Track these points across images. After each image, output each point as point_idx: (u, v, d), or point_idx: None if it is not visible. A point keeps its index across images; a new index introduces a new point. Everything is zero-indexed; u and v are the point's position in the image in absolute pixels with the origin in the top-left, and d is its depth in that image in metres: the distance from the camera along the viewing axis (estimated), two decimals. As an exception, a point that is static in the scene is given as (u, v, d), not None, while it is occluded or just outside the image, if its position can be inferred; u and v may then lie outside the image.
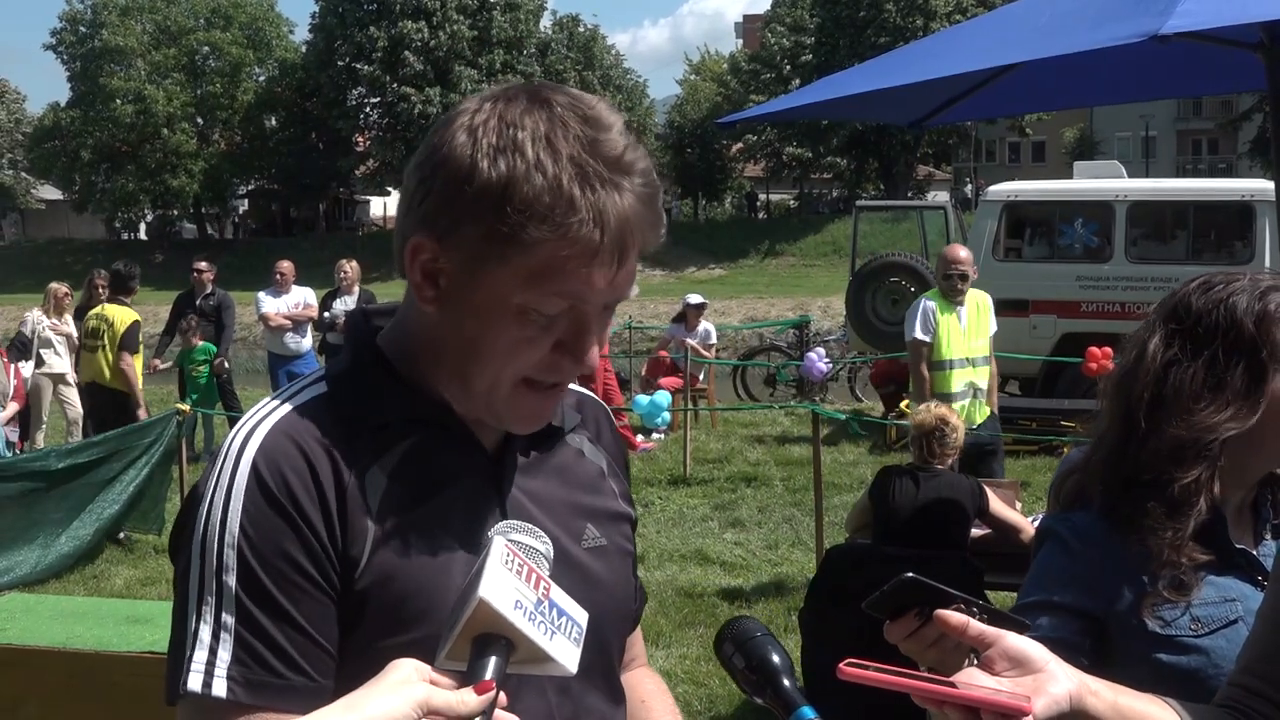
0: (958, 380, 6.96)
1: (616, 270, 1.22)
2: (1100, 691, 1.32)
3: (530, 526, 1.20)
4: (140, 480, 8.33)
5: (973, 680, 1.24)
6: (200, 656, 1.18)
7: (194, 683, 1.18)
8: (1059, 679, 1.28)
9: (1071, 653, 1.78)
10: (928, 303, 7.04)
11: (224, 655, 1.18)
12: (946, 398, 6.69)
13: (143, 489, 8.41)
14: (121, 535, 8.61)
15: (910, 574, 1.31)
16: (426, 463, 1.29)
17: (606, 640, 1.40)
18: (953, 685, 1.22)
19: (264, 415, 1.28)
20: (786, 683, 1.25)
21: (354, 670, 1.15)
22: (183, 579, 1.23)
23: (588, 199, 1.18)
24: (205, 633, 1.19)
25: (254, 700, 1.18)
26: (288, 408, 1.29)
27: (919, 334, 6.95)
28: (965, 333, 7.00)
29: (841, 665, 1.21)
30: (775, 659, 1.27)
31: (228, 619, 1.18)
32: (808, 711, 1.22)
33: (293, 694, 1.19)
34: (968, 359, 6.99)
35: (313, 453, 1.23)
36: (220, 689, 1.17)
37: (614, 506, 1.46)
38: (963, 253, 7.12)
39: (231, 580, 1.19)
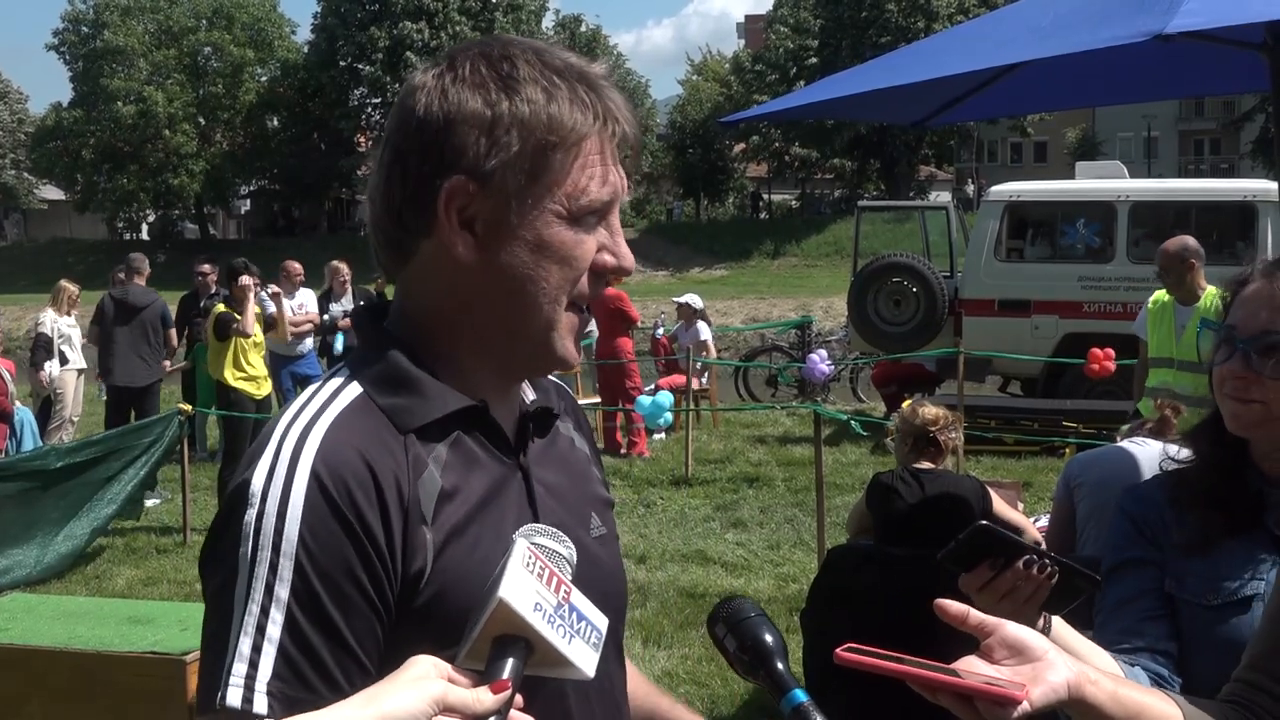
0: (1154, 378, 6.55)
1: (618, 165, 1.30)
2: (1100, 681, 1.33)
3: (554, 530, 1.19)
4: (139, 480, 8.33)
5: (972, 668, 1.25)
6: (240, 669, 1.12)
7: (233, 698, 1.11)
8: (1057, 667, 1.28)
9: (1165, 602, 1.82)
10: (1150, 299, 6.74)
11: (265, 669, 1.12)
12: (1149, 393, 6.55)
13: (139, 487, 8.43)
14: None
15: (984, 523, 1.34)
16: (468, 463, 1.28)
17: (617, 626, 1.43)
18: (950, 673, 1.23)
19: (312, 416, 1.23)
20: (780, 665, 1.23)
21: None
22: (225, 587, 1.16)
23: (594, 104, 1.27)
24: (246, 645, 1.13)
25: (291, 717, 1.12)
26: (335, 409, 1.23)
27: (1136, 329, 6.86)
28: (1182, 333, 6.46)
29: (838, 651, 1.20)
30: (768, 640, 1.25)
31: (273, 631, 1.13)
32: (799, 694, 1.20)
33: None
34: (1171, 359, 6.48)
35: (374, 460, 1.19)
36: (261, 705, 1.11)
37: (604, 493, 1.50)
38: (1169, 249, 6.43)
39: (284, 592, 1.13)
